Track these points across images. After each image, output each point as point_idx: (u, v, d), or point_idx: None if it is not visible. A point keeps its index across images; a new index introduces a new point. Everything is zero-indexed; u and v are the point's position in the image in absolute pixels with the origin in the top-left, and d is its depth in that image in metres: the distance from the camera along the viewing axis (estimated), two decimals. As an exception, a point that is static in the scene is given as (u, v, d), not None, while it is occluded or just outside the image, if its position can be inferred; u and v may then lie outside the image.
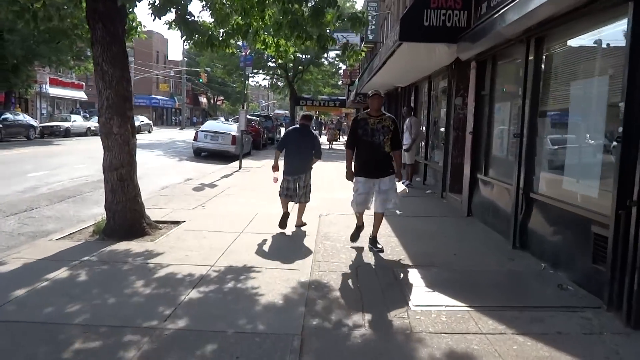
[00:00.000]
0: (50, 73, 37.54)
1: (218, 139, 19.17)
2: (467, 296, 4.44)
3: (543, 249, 5.58)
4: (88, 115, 43.19)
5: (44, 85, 36.71)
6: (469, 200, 8.17)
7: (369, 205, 6.18)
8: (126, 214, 6.36)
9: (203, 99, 77.23)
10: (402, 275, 5.07)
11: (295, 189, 7.05)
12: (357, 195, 6.09)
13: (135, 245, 5.90)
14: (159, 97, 63.07)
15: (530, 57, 5.92)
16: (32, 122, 27.04)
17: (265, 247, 6.07)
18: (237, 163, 16.62)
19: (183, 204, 8.89)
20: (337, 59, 32.58)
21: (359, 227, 6.35)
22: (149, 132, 41.36)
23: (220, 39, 7.60)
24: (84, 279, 4.71)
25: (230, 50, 8.30)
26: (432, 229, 7.34)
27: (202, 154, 19.79)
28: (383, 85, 17.31)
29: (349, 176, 6.16)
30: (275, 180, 7.28)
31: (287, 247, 6.09)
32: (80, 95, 45.17)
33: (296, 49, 8.59)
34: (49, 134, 28.00)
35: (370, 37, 25.43)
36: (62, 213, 8.29)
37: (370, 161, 5.87)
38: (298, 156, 6.94)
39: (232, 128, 19.90)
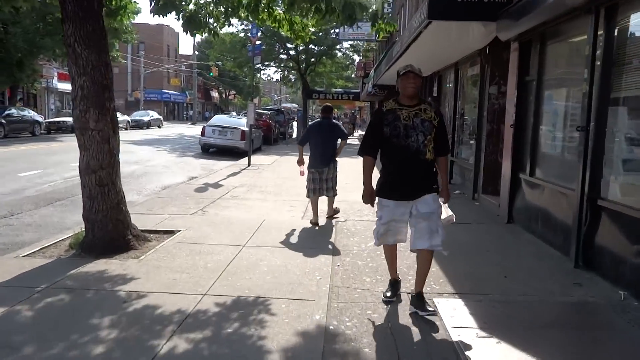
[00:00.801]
0: (59, 67, 36.89)
1: (227, 134, 18.17)
2: (537, 348, 3.33)
3: (618, 271, 4.44)
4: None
5: (51, 80, 35.99)
6: (510, 204, 7.03)
7: (402, 237, 4.15)
8: (107, 225, 5.34)
9: (215, 94, 76.47)
10: (444, 310, 3.97)
11: (322, 182, 7.01)
12: (381, 225, 4.08)
13: (115, 265, 4.87)
14: (170, 91, 62.43)
15: (600, 32, 4.75)
16: (38, 117, 26.30)
17: (272, 265, 5.01)
18: (246, 160, 15.61)
19: (182, 208, 7.87)
20: (350, 49, 31.39)
21: (394, 283, 4.29)
22: (159, 127, 40.59)
23: (223, 17, 6.54)
24: (37, 317, 3.68)
25: (231, 30, 7.20)
26: (470, 239, 6.22)
27: (210, 150, 18.85)
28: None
29: (368, 197, 4.07)
30: (302, 173, 7.29)
31: (299, 266, 5.02)
32: (90, 90, 44.44)
33: (314, 26, 7.45)
34: (56, 130, 27.26)
35: (387, 26, 24.17)
36: (45, 220, 7.31)
37: (404, 174, 3.91)
38: (321, 149, 6.90)
39: (242, 122, 18.86)
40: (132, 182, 11.09)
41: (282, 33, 7.19)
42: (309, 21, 6.87)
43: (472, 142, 10.41)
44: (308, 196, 7.11)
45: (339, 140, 7.03)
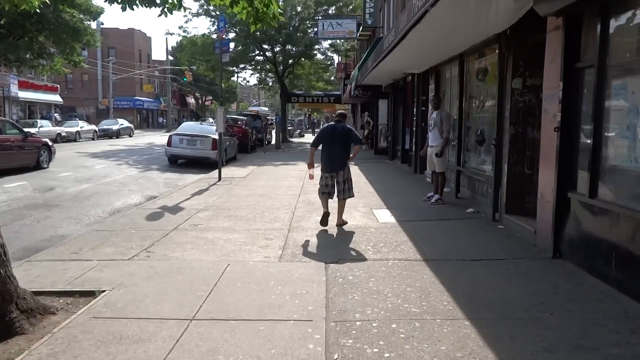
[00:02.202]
0: (19, 75, 34.38)
1: (196, 144, 16.21)
2: None
3: None
4: (60, 119, 40.20)
5: (8, 88, 33.43)
6: (557, 232, 5.29)
7: None
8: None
9: (191, 100, 74.18)
10: None
11: (333, 186, 7.00)
12: None
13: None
14: (143, 98, 60.03)
15: None
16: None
17: (232, 362, 3.15)
18: (217, 172, 13.72)
19: (121, 247, 5.95)
20: (331, 49, 29.58)
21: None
22: (130, 135, 38.32)
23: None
24: None
25: (202, 31, 5.32)
26: (517, 291, 4.43)
27: (178, 162, 16.87)
28: (390, 74, 14.43)
29: None
30: (311, 177, 7.27)
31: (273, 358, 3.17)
32: (55, 98, 41.94)
33: (281, 8, 5.66)
34: None
35: (369, 22, 22.51)
36: None
37: None
38: (334, 152, 6.89)
39: (213, 130, 16.87)
40: (75, 206, 9.11)
41: (240, 16, 5.35)
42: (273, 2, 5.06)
43: (481, 148, 8.71)
44: (319, 196, 7.15)
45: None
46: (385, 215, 7.77)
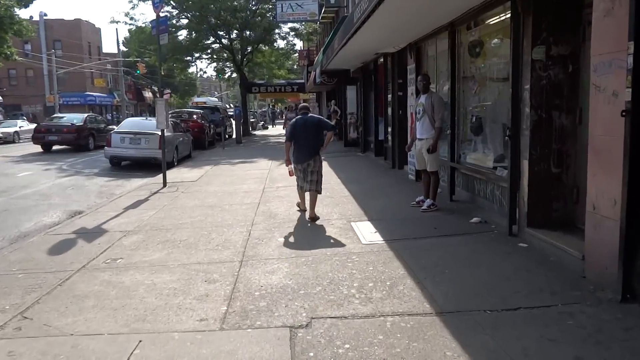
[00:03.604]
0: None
1: (140, 142, 14.07)
2: None
3: None
4: (1, 118, 36.74)
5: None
6: (628, 263, 3.62)
7: None
8: None
9: (148, 94, 70.60)
10: None
11: (306, 177, 6.89)
12: None
13: None
14: (94, 93, 56.54)
15: None
16: None
17: None
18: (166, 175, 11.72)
19: (-12, 309, 3.99)
20: (291, 34, 27.44)
21: None
22: (79, 134, 35.28)
23: None
24: None
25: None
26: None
27: (122, 164, 14.71)
28: (359, 55, 12.64)
29: None
30: (291, 173, 7.13)
31: None
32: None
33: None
34: None
35: (332, 1, 20.62)
36: None
37: None
38: (305, 142, 6.84)
39: (162, 125, 14.79)
40: (-36, 233, 7.01)
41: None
42: None
43: (479, 137, 7.07)
44: (298, 190, 7.22)
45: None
46: (368, 231, 6.01)
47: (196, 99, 47.92)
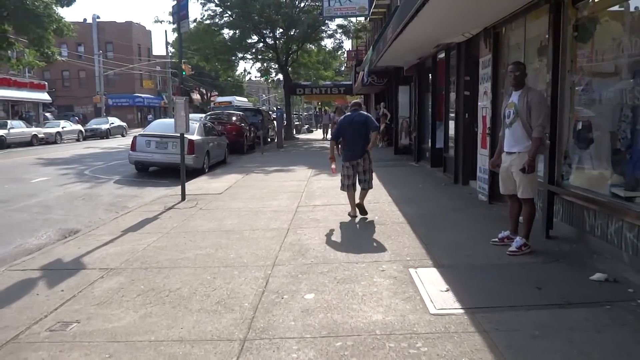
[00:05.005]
0: (-1, 72, 31.26)
1: (167, 147, 12.64)
2: None
3: None
4: (52, 118, 36.91)
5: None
6: None
7: None
8: None
9: (196, 95, 70.81)
10: None
11: (355, 176, 6.89)
12: None
13: None
14: (143, 95, 56.93)
15: None
16: None
17: None
18: (190, 185, 10.30)
19: None
20: (339, 31, 25.55)
21: None
22: (123, 135, 34.88)
23: None
24: None
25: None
26: None
27: (150, 170, 13.37)
28: (417, 48, 10.70)
29: None
30: (334, 170, 7.17)
31: None
32: (43, 96, 38.74)
33: None
34: None
35: (384, -6, 18.74)
36: None
37: None
38: (352, 141, 6.83)
39: (192, 128, 13.34)
40: None
41: None
42: None
43: (587, 150, 5.03)
44: (342, 190, 7.04)
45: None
46: (435, 288, 4.12)
47: (219, 99, 45.83)
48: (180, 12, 8.29)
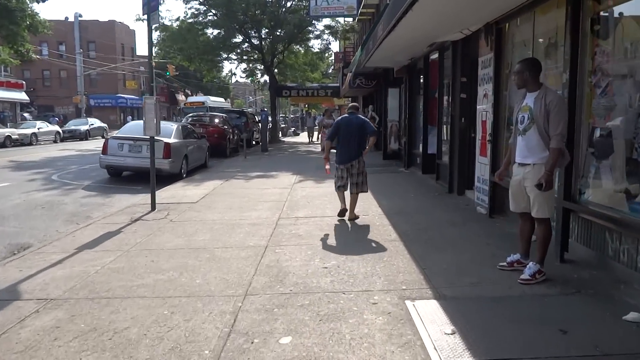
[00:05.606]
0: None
1: (141, 151, 11.77)
2: None
3: None
4: (30, 119, 35.66)
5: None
6: None
7: None
8: None
9: (181, 97, 69.68)
10: None
11: (348, 178, 6.90)
12: None
13: None
14: (126, 96, 55.64)
15: None
16: None
17: None
18: (163, 192, 9.53)
19: None
20: (326, 31, 24.81)
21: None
22: (103, 137, 33.72)
23: None
24: None
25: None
26: None
27: (123, 174, 12.51)
28: (409, 46, 10.01)
29: None
30: (328, 171, 7.26)
31: None
32: (20, 96, 37.48)
33: None
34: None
35: (373, -6, 18.09)
36: None
37: None
38: (348, 143, 6.85)
39: (170, 130, 12.53)
40: None
41: None
42: None
43: (607, 161, 4.34)
44: (336, 189, 7.04)
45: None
46: (437, 329, 3.39)
47: (190, 99, 42.86)
48: (150, 3, 7.48)
